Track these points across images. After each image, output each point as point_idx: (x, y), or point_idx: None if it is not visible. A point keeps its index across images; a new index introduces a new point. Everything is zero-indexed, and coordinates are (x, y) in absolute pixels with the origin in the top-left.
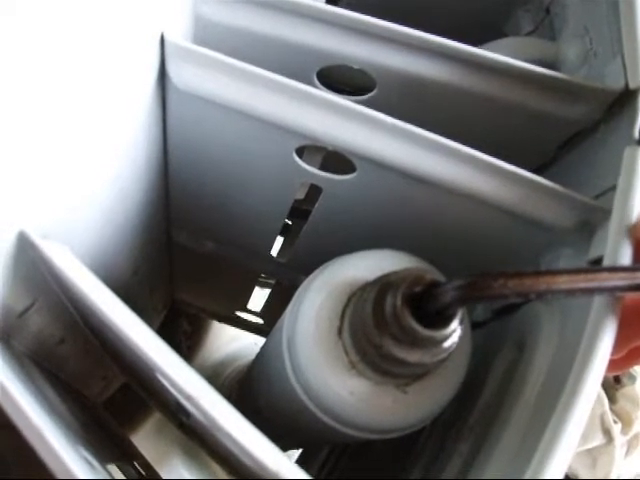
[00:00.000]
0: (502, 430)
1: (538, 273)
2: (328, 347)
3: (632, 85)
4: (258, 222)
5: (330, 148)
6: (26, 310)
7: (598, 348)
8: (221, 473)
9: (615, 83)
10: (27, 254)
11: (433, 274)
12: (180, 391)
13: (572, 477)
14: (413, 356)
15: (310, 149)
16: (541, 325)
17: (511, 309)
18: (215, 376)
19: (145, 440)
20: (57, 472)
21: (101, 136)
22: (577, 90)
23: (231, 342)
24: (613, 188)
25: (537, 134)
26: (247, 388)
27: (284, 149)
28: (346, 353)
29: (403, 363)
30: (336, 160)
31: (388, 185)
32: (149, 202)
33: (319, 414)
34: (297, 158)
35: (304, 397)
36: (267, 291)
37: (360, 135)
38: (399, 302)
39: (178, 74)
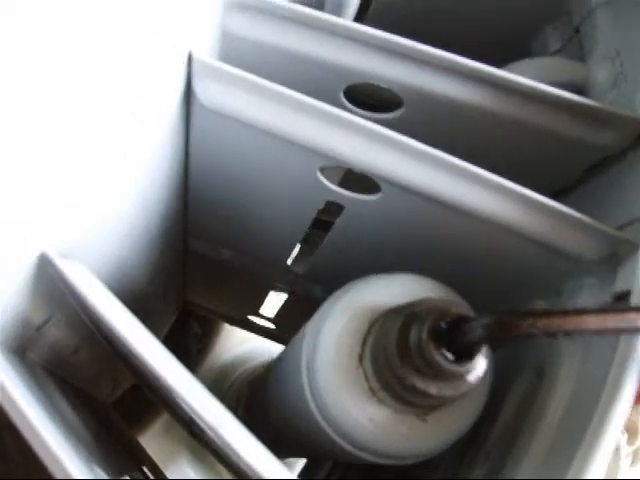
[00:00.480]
0: (522, 455)
1: (566, 313)
2: (348, 373)
3: None
4: (277, 235)
5: (356, 170)
6: (44, 323)
7: (624, 388)
8: (225, 474)
9: None
10: (47, 272)
11: (458, 306)
12: (199, 418)
13: None
14: (435, 389)
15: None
16: (562, 356)
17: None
18: (224, 377)
19: (152, 440)
20: None
21: (125, 154)
22: (607, 117)
23: (242, 343)
24: None
25: (565, 158)
26: (259, 397)
27: (307, 169)
28: (367, 380)
29: (425, 395)
30: (359, 178)
31: (413, 208)
32: (168, 214)
33: (335, 437)
34: (321, 177)
35: (320, 419)
36: (280, 296)
37: (387, 159)
38: (425, 336)
39: (204, 91)
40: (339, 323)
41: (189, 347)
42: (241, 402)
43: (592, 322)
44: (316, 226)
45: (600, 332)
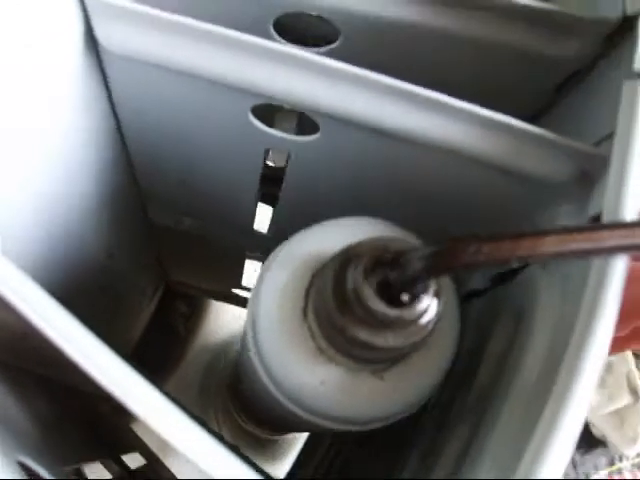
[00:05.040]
0: (501, 408)
1: (519, 235)
2: (292, 331)
3: (630, 11)
4: (230, 193)
5: (286, 106)
6: None
7: (598, 323)
8: None
9: (611, 11)
10: None
11: (402, 242)
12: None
13: (601, 439)
14: (382, 339)
15: (282, 112)
16: (539, 292)
17: (510, 275)
18: (220, 356)
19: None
20: None
21: (33, 117)
22: (568, 22)
23: (237, 320)
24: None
25: (528, 77)
26: (235, 373)
27: (238, 111)
28: (313, 337)
29: (372, 348)
30: (309, 122)
31: (357, 144)
32: (114, 182)
33: (290, 406)
34: (254, 120)
35: (270, 386)
36: (257, 265)
37: (316, 89)
38: (360, 278)
39: (107, 36)
40: (280, 276)
41: (176, 327)
42: (231, 378)
43: (550, 244)
44: (276, 184)
45: (561, 255)
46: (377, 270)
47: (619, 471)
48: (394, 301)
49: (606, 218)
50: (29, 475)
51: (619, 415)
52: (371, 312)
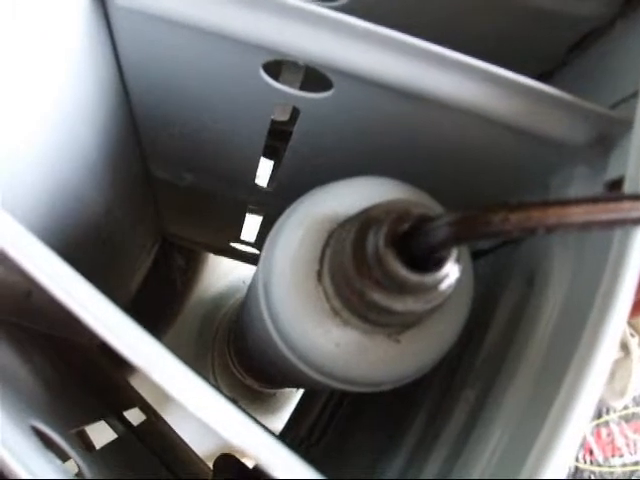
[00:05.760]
0: (513, 374)
1: (547, 204)
2: (307, 293)
3: None
4: (235, 149)
5: (301, 63)
6: None
7: (620, 290)
8: None
9: None
10: None
11: (423, 207)
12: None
13: None
14: (401, 304)
15: (288, 66)
16: (553, 257)
17: None
18: (216, 308)
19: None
20: None
21: (37, 72)
22: None
23: (232, 271)
24: (634, 95)
25: (542, 36)
26: (237, 325)
27: (249, 67)
28: (327, 299)
29: (390, 312)
30: (317, 77)
31: (371, 102)
32: (116, 138)
33: (302, 366)
34: (266, 76)
35: (283, 347)
36: (258, 219)
37: (330, 45)
38: (382, 242)
39: None
40: (294, 237)
41: (174, 281)
42: (232, 332)
43: (578, 214)
44: (277, 137)
45: (588, 226)
46: (399, 235)
47: (606, 423)
48: (416, 266)
49: (628, 184)
50: (42, 439)
51: (609, 370)
52: (393, 278)
